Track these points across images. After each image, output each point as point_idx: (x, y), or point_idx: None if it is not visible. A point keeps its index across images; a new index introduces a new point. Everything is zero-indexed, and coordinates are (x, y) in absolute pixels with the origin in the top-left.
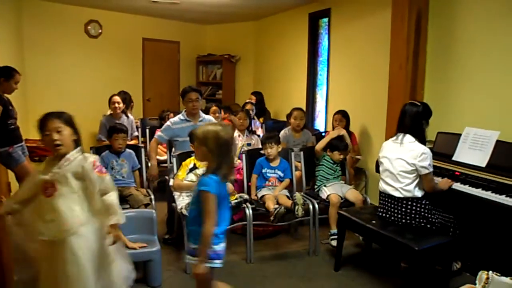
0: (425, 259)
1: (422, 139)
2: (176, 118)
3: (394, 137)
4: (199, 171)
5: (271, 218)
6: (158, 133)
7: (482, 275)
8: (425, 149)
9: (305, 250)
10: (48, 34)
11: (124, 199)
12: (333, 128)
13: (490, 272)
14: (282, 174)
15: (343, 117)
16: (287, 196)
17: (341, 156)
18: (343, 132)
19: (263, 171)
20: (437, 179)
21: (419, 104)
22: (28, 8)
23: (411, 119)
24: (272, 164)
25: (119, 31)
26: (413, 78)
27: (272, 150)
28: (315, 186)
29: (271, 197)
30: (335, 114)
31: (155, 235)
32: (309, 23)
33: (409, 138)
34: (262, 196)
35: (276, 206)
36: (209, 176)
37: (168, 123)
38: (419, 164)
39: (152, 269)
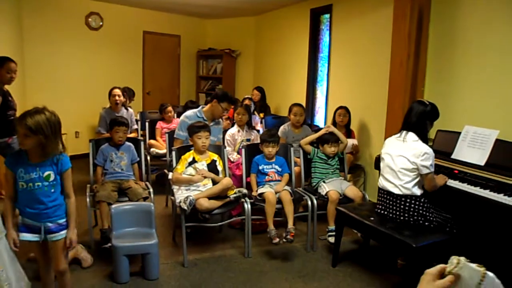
0: (422, 256)
1: (424, 139)
2: (191, 113)
3: (398, 134)
4: (199, 164)
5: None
6: (177, 132)
7: (453, 259)
8: (428, 149)
9: (303, 245)
10: (48, 26)
11: (123, 192)
12: (334, 123)
13: (462, 258)
14: (279, 169)
15: (346, 112)
16: (290, 193)
17: (333, 149)
18: (332, 129)
19: (260, 167)
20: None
21: (427, 103)
22: None
23: (416, 117)
24: (268, 160)
25: (120, 24)
26: (414, 76)
27: (274, 149)
28: (312, 183)
29: (272, 199)
30: (338, 108)
31: (153, 228)
32: (311, 19)
33: (412, 136)
34: (262, 193)
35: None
36: (64, 155)
37: (183, 118)
38: (421, 163)
39: (149, 262)
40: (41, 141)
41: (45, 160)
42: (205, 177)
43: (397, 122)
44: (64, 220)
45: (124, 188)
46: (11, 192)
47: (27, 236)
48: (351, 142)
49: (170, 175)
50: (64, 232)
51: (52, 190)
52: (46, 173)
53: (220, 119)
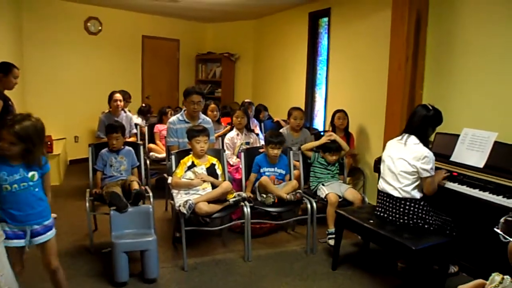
0: (422, 258)
1: (425, 143)
2: (174, 118)
3: (399, 137)
4: (198, 169)
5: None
6: (168, 140)
7: (496, 277)
8: (428, 153)
9: (302, 248)
10: (47, 31)
11: (124, 191)
12: (333, 126)
13: (508, 276)
14: (283, 172)
15: (345, 115)
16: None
17: (334, 157)
18: (334, 136)
19: (262, 170)
20: None
21: (431, 108)
22: (28, 4)
23: (419, 121)
24: (271, 163)
25: (119, 28)
26: (412, 78)
27: (279, 151)
28: (311, 186)
29: (267, 178)
30: (337, 112)
31: (152, 229)
32: (309, 22)
33: (413, 139)
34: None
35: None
36: (44, 158)
37: (169, 125)
38: (421, 167)
39: (149, 260)
40: (27, 148)
41: (28, 162)
42: (204, 181)
43: (396, 125)
44: (49, 221)
45: (124, 184)
46: None
47: (13, 242)
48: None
49: (169, 180)
50: (50, 233)
51: (37, 189)
52: (31, 173)
53: (205, 117)
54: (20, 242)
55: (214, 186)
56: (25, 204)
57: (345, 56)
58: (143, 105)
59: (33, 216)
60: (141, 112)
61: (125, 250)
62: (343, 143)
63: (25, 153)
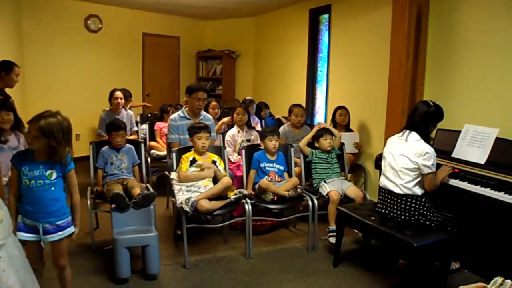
0: (424, 255)
1: (426, 139)
2: (176, 115)
3: (400, 133)
4: (201, 163)
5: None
6: (169, 137)
7: (498, 279)
8: (429, 149)
9: (304, 246)
10: (47, 29)
11: (124, 190)
12: (334, 123)
13: (508, 280)
14: (282, 167)
15: (346, 111)
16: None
17: (329, 141)
18: (323, 125)
19: (261, 165)
20: None
21: (432, 104)
22: (28, 2)
23: (420, 117)
24: (270, 158)
25: (119, 26)
26: (413, 75)
27: (277, 143)
28: (313, 183)
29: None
30: (338, 109)
31: (153, 226)
32: (310, 19)
33: (414, 135)
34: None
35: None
36: (67, 156)
37: (170, 122)
38: (422, 163)
39: (150, 255)
40: (50, 144)
41: (50, 159)
42: (208, 169)
43: (397, 122)
44: (63, 221)
45: (124, 185)
46: (15, 190)
47: (25, 236)
48: (352, 138)
49: (172, 175)
50: (61, 233)
51: (52, 189)
52: (49, 172)
53: (206, 114)
54: (32, 237)
55: (215, 182)
56: (38, 201)
57: (345, 53)
58: (149, 115)
59: (44, 215)
60: (149, 120)
61: (127, 246)
62: (333, 129)
63: (49, 150)
